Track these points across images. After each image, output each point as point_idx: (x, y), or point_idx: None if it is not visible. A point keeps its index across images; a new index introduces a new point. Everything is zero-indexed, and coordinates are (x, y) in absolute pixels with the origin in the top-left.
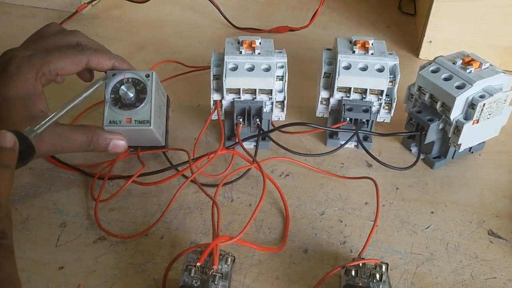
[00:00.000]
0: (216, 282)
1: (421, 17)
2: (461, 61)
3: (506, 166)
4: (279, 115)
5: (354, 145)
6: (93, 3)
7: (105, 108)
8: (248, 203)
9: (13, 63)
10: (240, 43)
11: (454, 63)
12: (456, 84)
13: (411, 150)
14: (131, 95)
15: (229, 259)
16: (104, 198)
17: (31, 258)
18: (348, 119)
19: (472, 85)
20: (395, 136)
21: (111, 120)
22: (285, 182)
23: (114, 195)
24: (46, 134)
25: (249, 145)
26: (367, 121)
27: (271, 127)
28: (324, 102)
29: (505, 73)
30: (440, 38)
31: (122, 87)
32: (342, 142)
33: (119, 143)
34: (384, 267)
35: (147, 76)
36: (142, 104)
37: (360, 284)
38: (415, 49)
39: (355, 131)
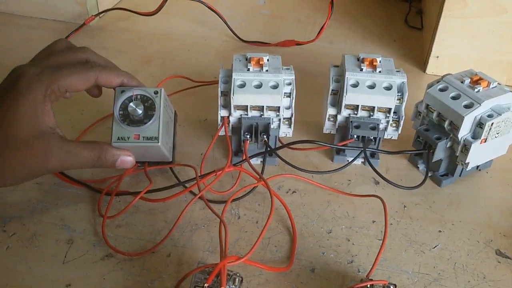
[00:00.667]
0: None
1: (428, 31)
2: (469, 79)
3: None
4: (286, 132)
5: (361, 162)
6: (101, 15)
7: (113, 125)
8: (255, 220)
9: (23, 81)
10: (248, 60)
11: (462, 82)
12: (464, 103)
13: (418, 168)
14: (140, 111)
15: (237, 279)
16: (111, 214)
17: (39, 274)
18: (355, 136)
19: (480, 104)
20: (403, 154)
21: (119, 137)
22: (292, 199)
23: (122, 212)
24: (54, 150)
25: (256, 161)
26: (375, 138)
27: (278, 143)
28: (332, 119)
29: None
30: (448, 53)
31: (131, 103)
32: (349, 159)
33: (127, 159)
34: None
35: (156, 93)
36: (151, 121)
37: None
38: (422, 64)
39: (362, 148)
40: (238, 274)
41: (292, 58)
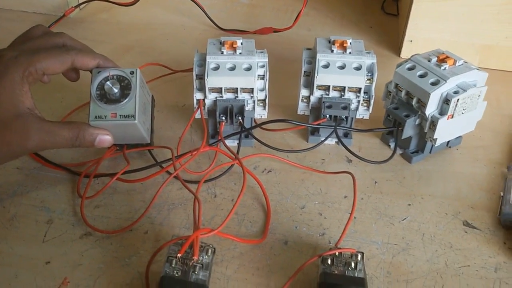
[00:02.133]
0: (196, 272)
1: (403, 17)
2: (436, 58)
3: (483, 159)
4: (261, 113)
5: (335, 142)
6: (81, 6)
7: (91, 104)
8: (231, 199)
9: (0, 64)
10: (222, 44)
11: (429, 61)
12: (431, 80)
13: (390, 146)
14: (116, 90)
15: (210, 250)
16: (90, 195)
17: (18, 253)
18: (327, 116)
19: (446, 81)
20: (374, 133)
21: (96, 115)
22: (267, 178)
23: (100, 192)
24: (33, 130)
25: (232, 143)
26: (346, 118)
27: (253, 125)
28: (305, 100)
29: (479, 69)
30: (421, 37)
31: (107, 83)
32: (323, 139)
33: (105, 138)
34: (359, 256)
35: (132, 73)
36: (127, 99)
37: (336, 272)
38: (397, 49)
39: (333, 127)
40: (211, 245)
41: (270, 45)
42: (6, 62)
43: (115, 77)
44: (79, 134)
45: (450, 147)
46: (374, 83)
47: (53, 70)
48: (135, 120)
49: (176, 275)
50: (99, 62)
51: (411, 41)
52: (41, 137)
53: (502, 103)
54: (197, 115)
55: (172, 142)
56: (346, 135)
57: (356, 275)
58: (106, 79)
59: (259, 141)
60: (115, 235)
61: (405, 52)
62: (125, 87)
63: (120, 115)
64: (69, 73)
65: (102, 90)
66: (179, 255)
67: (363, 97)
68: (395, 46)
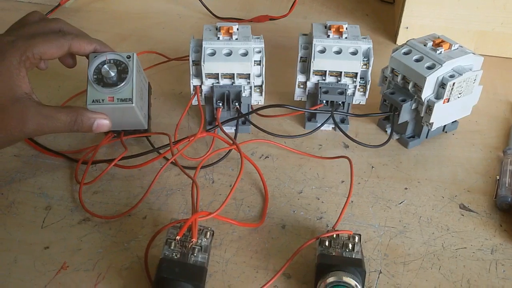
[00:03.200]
0: (195, 255)
1: (399, 4)
2: (432, 43)
3: (479, 144)
4: (258, 99)
5: (332, 128)
6: None
7: (88, 88)
8: (229, 184)
9: None
10: (218, 29)
11: (425, 45)
12: (427, 64)
13: (386, 131)
14: (113, 74)
15: (208, 233)
16: (88, 181)
17: (17, 239)
18: (324, 101)
19: (441, 65)
20: (371, 119)
21: (94, 99)
22: (265, 164)
23: (98, 178)
24: (30, 114)
25: (230, 130)
26: (343, 103)
27: (250, 111)
28: (302, 86)
29: (474, 53)
30: (417, 24)
31: (105, 66)
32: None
33: (103, 122)
34: (357, 238)
35: (128, 57)
36: (124, 83)
37: (333, 254)
38: (393, 36)
39: (330, 111)
40: (209, 228)
41: (266, 33)
42: (3, 47)
43: (112, 61)
44: (77, 118)
45: (446, 132)
46: (370, 68)
47: (50, 54)
48: (132, 103)
49: (175, 257)
50: (95, 47)
51: (407, 28)
52: (39, 121)
53: (498, 89)
54: (194, 102)
55: (169, 129)
56: (342, 121)
57: (353, 256)
58: (103, 63)
59: (256, 126)
60: (113, 221)
61: (401, 39)
62: (122, 71)
63: (118, 99)
64: (66, 59)
65: (99, 74)
66: (178, 237)
67: (359, 82)
68: (391, 33)
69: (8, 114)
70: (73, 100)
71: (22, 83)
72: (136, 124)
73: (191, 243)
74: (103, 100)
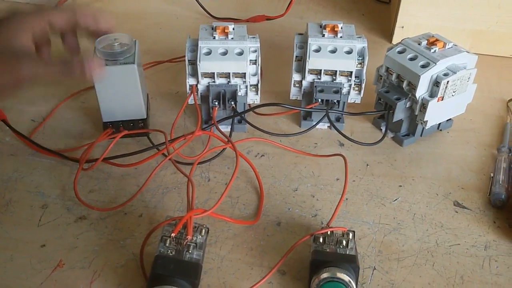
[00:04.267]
0: (190, 252)
1: (394, 4)
2: (426, 41)
3: (473, 141)
4: (254, 98)
5: (327, 126)
6: None
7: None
8: (225, 182)
9: (12, 9)
10: (214, 29)
11: (419, 44)
12: (421, 63)
13: (381, 130)
14: (118, 49)
15: (203, 230)
16: (85, 182)
17: (14, 237)
18: (320, 100)
19: (436, 63)
20: (366, 117)
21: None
22: (261, 162)
23: (96, 163)
24: (25, 58)
25: (226, 128)
26: (338, 102)
27: (246, 109)
28: (297, 85)
29: (468, 52)
30: (412, 23)
31: (110, 42)
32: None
33: (97, 68)
34: (351, 234)
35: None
36: (127, 55)
37: (327, 250)
38: (389, 35)
39: (325, 110)
40: (204, 226)
41: (263, 33)
42: (19, 6)
43: (117, 40)
44: (72, 62)
45: (441, 130)
46: (365, 67)
47: (60, 23)
48: (134, 64)
49: (170, 254)
50: (101, 22)
51: (403, 27)
52: (34, 65)
53: (492, 87)
54: (191, 101)
55: (165, 128)
56: (338, 119)
57: (347, 252)
58: (110, 39)
59: (252, 125)
60: (109, 218)
61: (397, 38)
62: (127, 50)
63: (120, 63)
64: (70, 37)
65: (105, 49)
66: (173, 234)
67: (354, 81)
68: (387, 33)
69: (3, 58)
70: (72, 99)
71: (24, 38)
72: (136, 107)
73: (186, 240)
74: (106, 65)
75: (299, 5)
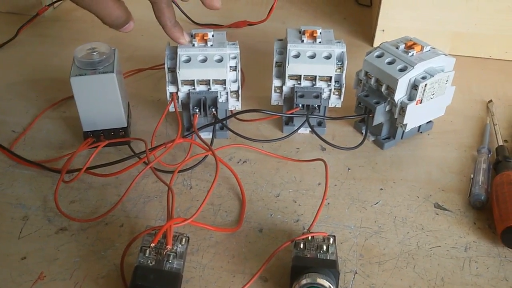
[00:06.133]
0: (170, 261)
1: (375, 7)
2: (404, 45)
3: (454, 143)
4: (235, 105)
5: (309, 131)
6: (55, 5)
7: (72, 67)
8: (207, 190)
9: None
10: (193, 36)
11: (397, 48)
12: (399, 67)
13: (363, 133)
14: (97, 58)
15: (184, 239)
16: (65, 193)
17: None
18: (300, 105)
19: (413, 67)
20: (348, 121)
21: (77, 74)
22: (243, 168)
23: (80, 174)
24: None
25: (208, 136)
26: (319, 106)
27: (226, 116)
28: (278, 90)
29: (446, 54)
30: (392, 26)
31: (89, 52)
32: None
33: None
34: (331, 239)
35: (112, 48)
36: (107, 64)
37: (308, 256)
38: (370, 39)
39: (306, 115)
40: (185, 234)
41: (245, 38)
42: None
43: (96, 49)
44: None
45: (421, 132)
46: (344, 72)
47: None
48: (113, 73)
49: (150, 264)
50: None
51: (383, 30)
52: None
53: (473, 89)
54: (171, 108)
55: (146, 136)
56: (320, 124)
57: (328, 257)
58: (87, 49)
59: (233, 132)
60: (90, 229)
61: (378, 42)
62: (105, 59)
63: (99, 72)
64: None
65: (84, 58)
66: (152, 244)
67: (334, 85)
68: (369, 36)
69: None
70: (52, 109)
71: None
72: (117, 116)
73: (166, 250)
74: (85, 74)
75: (281, 10)
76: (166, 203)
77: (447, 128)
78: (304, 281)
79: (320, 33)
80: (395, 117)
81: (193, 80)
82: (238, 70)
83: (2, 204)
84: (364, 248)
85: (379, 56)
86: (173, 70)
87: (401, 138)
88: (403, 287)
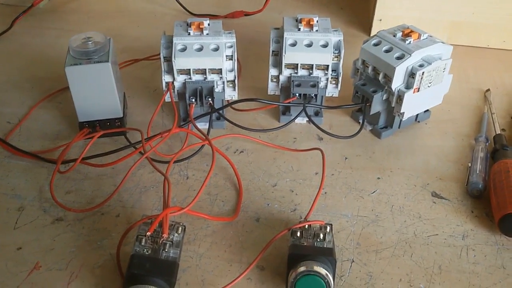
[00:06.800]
0: (166, 250)
1: None
2: (401, 33)
3: (451, 132)
4: (231, 94)
5: (306, 121)
6: None
7: (67, 56)
8: (203, 180)
9: None
10: (189, 25)
11: (394, 36)
12: (396, 55)
13: (360, 123)
14: (92, 48)
15: (180, 228)
16: (61, 183)
17: None
18: (297, 94)
19: (410, 55)
20: (345, 111)
21: (72, 63)
22: (240, 158)
23: (75, 164)
24: None
25: (204, 125)
26: (316, 96)
27: (223, 105)
28: (274, 80)
29: (443, 42)
30: (390, 15)
31: (85, 41)
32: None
33: None
34: (328, 227)
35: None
36: (102, 53)
37: (305, 244)
38: (368, 29)
39: (303, 104)
40: (181, 223)
41: (241, 28)
42: None
43: (91, 38)
44: None
45: (419, 121)
46: (341, 60)
47: None
48: (108, 62)
49: (146, 253)
50: None
51: (381, 20)
52: None
53: (470, 78)
54: (167, 98)
55: (143, 126)
56: (317, 113)
57: (325, 245)
58: (82, 38)
59: (230, 122)
60: (86, 219)
61: (375, 31)
62: (100, 49)
63: (94, 61)
64: None
65: (79, 48)
66: (148, 233)
67: (331, 74)
68: (366, 26)
69: None
70: (48, 100)
71: None
72: (112, 107)
73: (162, 239)
74: (80, 63)
75: (278, 0)
76: (162, 192)
77: (445, 117)
78: (301, 269)
79: (317, 22)
80: (393, 105)
81: (189, 69)
82: (235, 59)
83: None
84: (361, 237)
85: (376, 44)
86: (168, 60)
87: (399, 127)
88: (400, 275)
